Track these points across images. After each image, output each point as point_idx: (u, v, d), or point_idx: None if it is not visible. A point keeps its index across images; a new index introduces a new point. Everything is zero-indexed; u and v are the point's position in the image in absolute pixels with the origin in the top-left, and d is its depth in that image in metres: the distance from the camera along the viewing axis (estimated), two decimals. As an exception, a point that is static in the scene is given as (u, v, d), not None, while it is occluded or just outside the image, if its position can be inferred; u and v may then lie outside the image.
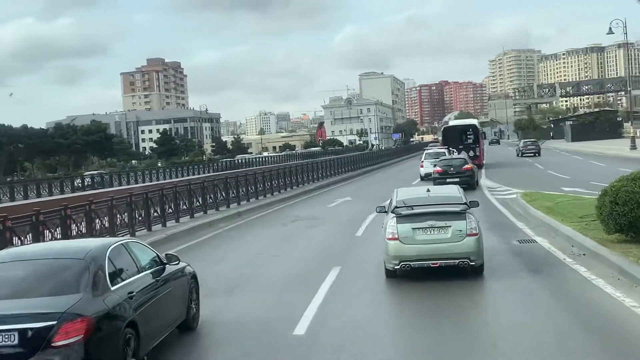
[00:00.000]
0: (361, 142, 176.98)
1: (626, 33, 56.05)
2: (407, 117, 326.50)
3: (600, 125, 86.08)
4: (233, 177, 28.30)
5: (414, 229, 11.37)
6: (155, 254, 8.97)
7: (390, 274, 11.88)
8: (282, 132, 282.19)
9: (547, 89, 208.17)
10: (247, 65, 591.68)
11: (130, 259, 8.07)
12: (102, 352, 6.61)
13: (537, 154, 58.33)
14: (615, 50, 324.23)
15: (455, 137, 45.95)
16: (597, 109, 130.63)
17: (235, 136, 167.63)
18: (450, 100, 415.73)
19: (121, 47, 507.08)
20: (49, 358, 6.26)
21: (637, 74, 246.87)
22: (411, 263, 11.43)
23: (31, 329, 6.28)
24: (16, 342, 6.26)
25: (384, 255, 11.79)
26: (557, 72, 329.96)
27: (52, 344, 6.26)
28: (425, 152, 43.22)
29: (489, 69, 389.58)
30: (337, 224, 21.30)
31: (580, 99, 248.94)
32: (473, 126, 49.19)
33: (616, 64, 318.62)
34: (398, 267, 11.54)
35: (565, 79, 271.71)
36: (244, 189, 28.54)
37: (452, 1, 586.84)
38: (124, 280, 7.58)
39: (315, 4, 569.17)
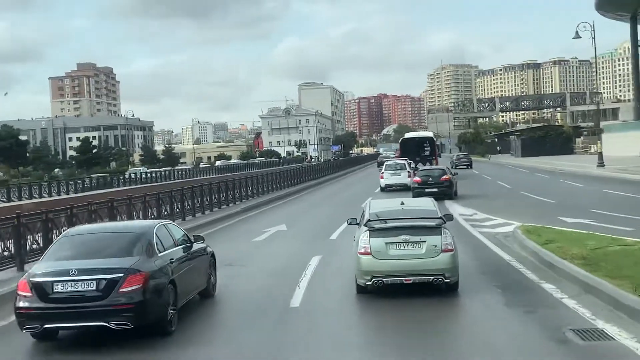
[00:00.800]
0: (299, 153, 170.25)
1: (595, 38, 50.31)
2: (347, 129, 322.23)
3: (551, 140, 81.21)
4: (123, 200, 20.22)
5: (387, 243, 10.81)
6: (185, 234, 11.35)
7: (361, 290, 11.19)
8: (220, 142, 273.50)
9: (486, 103, 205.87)
10: (186, 74, 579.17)
11: (169, 236, 10.52)
12: (153, 297, 9.01)
13: (469, 166, 60.60)
14: (551, 67, 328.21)
15: (412, 149, 46.29)
16: (541, 124, 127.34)
17: (167, 145, 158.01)
18: (388, 113, 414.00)
19: (54, 52, 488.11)
20: (118, 299, 8.73)
21: (572, 90, 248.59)
22: (384, 279, 10.82)
23: (105, 279, 8.78)
24: (94, 288, 8.77)
25: (355, 271, 11.22)
26: (493, 87, 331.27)
27: (120, 290, 8.76)
28: (385, 163, 41.79)
29: (428, 83, 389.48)
30: (264, 278, 13.62)
31: (516, 115, 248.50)
32: (430, 138, 49.70)
33: (551, 80, 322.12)
34: (370, 283, 10.89)
35: (502, 94, 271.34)
36: (139, 212, 20.65)
37: (392, 16, 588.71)
38: (166, 250, 9.98)
39: (255, 14, 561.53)
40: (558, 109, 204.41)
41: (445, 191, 30.09)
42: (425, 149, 46.91)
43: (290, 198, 38.72)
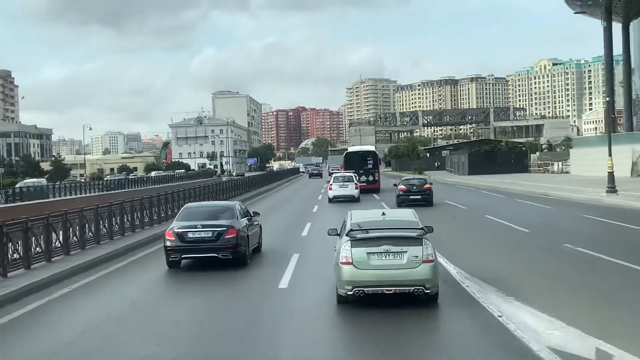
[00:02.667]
0: (211, 166, 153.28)
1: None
2: (264, 141, 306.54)
3: (502, 156, 67.97)
4: None
5: (368, 253, 10.60)
6: (248, 211, 18.07)
7: (342, 300, 10.91)
8: (132, 153, 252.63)
9: (409, 117, 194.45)
10: (100, 83, 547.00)
11: (243, 210, 17.41)
12: (240, 241, 15.55)
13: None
14: (468, 84, 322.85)
15: (356, 162, 47.09)
16: (476, 138, 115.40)
17: (55, 155, 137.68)
18: (307, 127, 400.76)
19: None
20: (224, 241, 15.28)
21: (487, 106, 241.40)
22: (365, 289, 10.57)
23: (217, 230, 15.40)
24: (211, 235, 15.36)
25: (337, 280, 10.95)
26: (412, 102, 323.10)
27: (225, 236, 15.34)
28: (333, 175, 42.78)
29: (347, 96, 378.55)
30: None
31: (434, 130, 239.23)
32: (373, 152, 49.92)
33: (469, 96, 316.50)
34: (351, 292, 10.63)
35: (421, 109, 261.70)
36: None
37: (312, 31, 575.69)
38: (246, 216, 17.07)
39: (173, 23, 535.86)
40: (481, 124, 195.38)
41: (427, 198, 32.32)
42: (369, 162, 47.54)
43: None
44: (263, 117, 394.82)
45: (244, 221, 16.43)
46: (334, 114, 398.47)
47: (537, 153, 71.37)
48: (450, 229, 22.29)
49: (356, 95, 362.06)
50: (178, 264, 15.86)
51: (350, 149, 55.37)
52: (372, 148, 54.34)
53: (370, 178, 46.25)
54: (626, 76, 65.95)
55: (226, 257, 15.40)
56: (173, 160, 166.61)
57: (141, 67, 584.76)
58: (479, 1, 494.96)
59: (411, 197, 31.69)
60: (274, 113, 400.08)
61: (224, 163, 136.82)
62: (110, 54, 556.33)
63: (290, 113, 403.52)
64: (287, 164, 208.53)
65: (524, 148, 72.07)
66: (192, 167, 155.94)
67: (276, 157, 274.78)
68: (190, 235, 15.43)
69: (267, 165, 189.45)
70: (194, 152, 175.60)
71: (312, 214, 30.73)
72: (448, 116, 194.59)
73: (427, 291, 10.56)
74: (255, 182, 58.20)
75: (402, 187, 32.94)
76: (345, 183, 38.57)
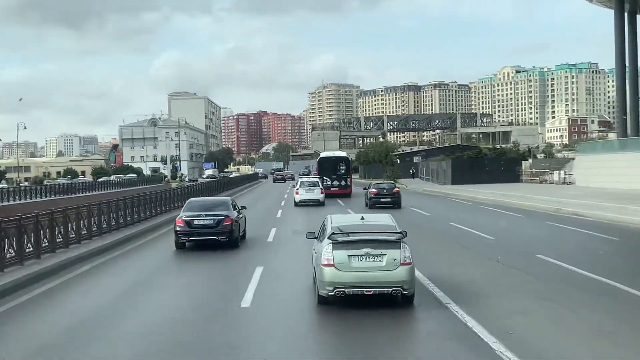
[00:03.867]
0: (164, 170, 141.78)
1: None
2: (224, 145, 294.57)
3: (490, 163, 58.31)
4: None
5: (349, 256, 10.92)
6: (237, 205, 21.82)
7: (323, 301, 11.15)
8: (86, 155, 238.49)
9: (374, 122, 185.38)
10: (58, 85, 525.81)
11: (234, 204, 21.19)
12: (234, 228, 19.49)
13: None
14: (431, 90, 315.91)
15: (329, 167, 47.50)
16: (441, 145, 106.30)
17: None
18: (268, 131, 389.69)
19: None
20: (222, 227, 19.13)
21: (453, 112, 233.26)
22: (346, 290, 10.88)
23: (217, 218, 19.25)
24: (212, 222, 19.21)
25: (318, 282, 11.29)
26: (375, 108, 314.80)
27: (223, 224, 19.15)
28: (300, 180, 43.48)
29: (309, 101, 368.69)
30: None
31: (396, 136, 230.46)
32: (345, 158, 49.93)
33: (432, 102, 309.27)
34: (332, 293, 10.95)
35: (385, 114, 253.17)
36: None
37: (276, 37, 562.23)
38: (236, 209, 20.76)
39: (134, 25, 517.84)
40: (447, 130, 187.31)
41: (396, 201, 34.72)
42: (341, 167, 47.69)
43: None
44: (223, 122, 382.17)
45: (235, 212, 20.48)
46: (295, 119, 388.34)
47: (530, 160, 62.05)
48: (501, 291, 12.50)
49: (318, 100, 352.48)
50: (184, 246, 19.72)
51: (324, 154, 54.36)
52: (344, 154, 53.43)
53: (343, 183, 46.64)
54: (633, 75, 57.16)
55: (224, 239, 19.44)
56: (124, 163, 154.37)
57: (101, 69, 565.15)
58: (442, 11, 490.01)
59: (382, 199, 34.35)
60: (235, 117, 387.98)
61: (176, 167, 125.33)
62: (70, 55, 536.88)
63: (252, 117, 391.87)
64: (247, 169, 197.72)
65: (520, 153, 62.48)
66: (145, 172, 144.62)
67: (236, 162, 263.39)
68: (196, 222, 19.48)
69: (226, 170, 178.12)
70: (147, 155, 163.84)
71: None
72: (414, 122, 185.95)
73: (404, 292, 10.93)
74: (206, 190, 47.67)
75: (373, 190, 35.27)
76: (312, 188, 39.72)
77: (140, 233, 24.32)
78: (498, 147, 71.52)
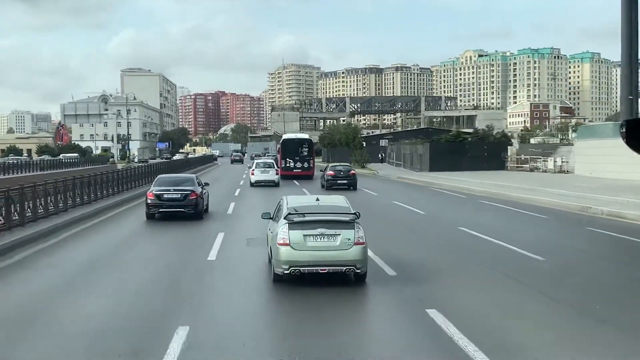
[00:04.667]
0: (114, 150, 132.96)
1: None
2: (182, 125, 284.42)
3: (472, 149, 51.73)
4: None
5: (305, 235, 11.12)
6: (201, 181, 24.24)
7: (278, 279, 11.34)
8: (39, 133, 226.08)
9: (335, 104, 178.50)
10: (10, 61, 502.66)
11: (199, 181, 23.62)
12: (199, 202, 21.84)
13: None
14: (393, 73, 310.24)
15: (293, 149, 47.34)
16: (405, 128, 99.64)
17: None
18: (226, 112, 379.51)
19: None
20: (188, 201, 21.42)
21: (412, 95, 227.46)
22: (301, 268, 11.06)
23: (183, 193, 21.57)
24: (179, 196, 21.49)
25: (274, 261, 11.46)
26: (336, 90, 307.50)
27: (189, 197, 21.44)
28: (255, 162, 43.60)
29: (268, 82, 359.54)
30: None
31: (356, 118, 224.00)
32: (309, 140, 49.90)
33: (393, 85, 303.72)
34: (288, 272, 11.08)
35: (348, 96, 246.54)
36: None
37: (236, 17, 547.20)
38: (200, 185, 22.99)
39: (91, 1, 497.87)
40: (410, 113, 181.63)
41: (352, 183, 35.62)
42: (304, 149, 47.46)
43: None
44: (180, 101, 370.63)
45: (200, 188, 22.65)
46: (254, 100, 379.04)
47: (516, 145, 55.86)
48: None
49: (278, 81, 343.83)
50: (154, 216, 21.83)
51: (287, 135, 54.25)
52: (306, 136, 53.56)
53: (306, 165, 46.62)
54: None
55: (190, 212, 21.54)
56: (73, 142, 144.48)
57: (57, 46, 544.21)
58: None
59: (339, 181, 35.32)
60: (192, 97, 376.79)
61: (125, 147, 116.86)
62: (24, 31, 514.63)
63: (210, 97, 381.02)
64: (203, 150, 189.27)
65: (499, 138, 56.12)
66: (95, 151, 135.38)
67: (192, 143, 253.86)
68: (165, 195, 21.71)
69: (181, 150, 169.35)
70: (96, 134, 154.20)
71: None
72: (377, 104, 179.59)
73: (357, 271, 11.16)
74: (155, 173, 40.05)
75: (330, 172, 36.16)
76: (267, 169, 40.24)
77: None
78: (479, 130, 65.02)
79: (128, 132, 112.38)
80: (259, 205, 24.03)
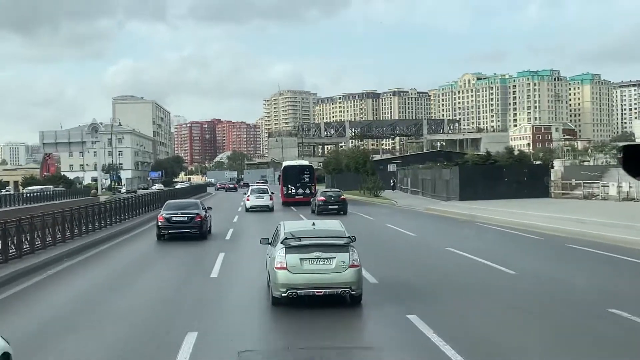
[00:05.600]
0: (105, 181, 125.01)
1: None
2: (176, 154, 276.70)
3: (510, 172, 43.25)
4: None
5: (301, 259, 11.35)
6: (205, 206, 27.07)
7: (276, 302, 11.58)
8: (29, 165, 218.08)
9: (334, 129, 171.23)
10: (8, 92, 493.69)
11: (203, 205, 26.65)
12: (204, 224, 24.57)
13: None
14: (390, 97, 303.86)
15: (294, 175, 47.38)
16: (406, 153, 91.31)
17: None
18: (222, 140, 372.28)
19: None
20: (194, 224, 24.12)
21: (410, 118, 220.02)
22: (298, 291, 11.31)
23: (190, 216, 24.26)
24: (186, 219, 24.19)
25: (272, 284, 11.73)
26: (332, 116, 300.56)
27: (194, 220, 24.15)
28: (251, 187, 48.95)
29: (264, 108, 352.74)
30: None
31: (355, 144, 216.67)
32: (310, 167, 50.42)
33: (391, 109, 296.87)
34: (285, 294, 11.35)
35: (347, 120, 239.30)
36: None
37: (231, 45, 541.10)
38: (204, 209, 25.78)
39: (88, 31, 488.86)
40: (412, 137, 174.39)
41: (342, 208, 36.12)
42: (306, 175, 47.47)
43: None
44: (176, 130, 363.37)
45: (204, 212, 25.22)
46: (251, 127, 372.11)
47: (560, 168, 47.79)
48: None
49: (274, 108, 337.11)
50: (163, 237, 24.29)
51: (287, 162, 54.23)
52: (307, 162, 53.87)
53: (307, 191, 45.83)
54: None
55: (195, 233, 24.10)
56: (62, 172, 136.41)
57: (53, 76, 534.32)
58: (396, 20, 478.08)
59: (329, 207, 36.04)
60: (188, 125, 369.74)
61: (113, 177, 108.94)
62: (21, 62, 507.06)
63: (205, 125, 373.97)
64: (198, 179, 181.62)
65: (540, 162, 48.12)
66: (85, 181, 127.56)
67: (188, 172, 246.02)
68: (174, 218, 24.29)
69: (175, 179, 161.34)
70: (89, 164, 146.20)
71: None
72: (377, 128, 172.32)
73: (352, 293, 11.41)
74: (137, 206, 33.83)
75: (321, 197, 37.00)
76: (261, 194, 42.03)
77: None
78: (515, 152, 56.80)
79: (113, 161, 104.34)
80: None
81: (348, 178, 69.30)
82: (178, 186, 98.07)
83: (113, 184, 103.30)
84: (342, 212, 34.98)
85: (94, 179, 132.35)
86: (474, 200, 40.14)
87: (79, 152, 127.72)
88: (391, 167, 78.72)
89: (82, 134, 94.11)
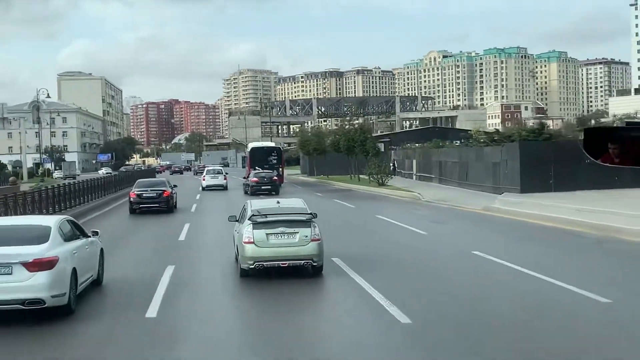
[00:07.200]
0: (49, 165, 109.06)
1: None
2: (132, 135, 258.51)
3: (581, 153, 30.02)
4: None
5: (267, 234, 11.99)
6: (171, 183, 29.99)
7: (244, 274, 12.21)
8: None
9: (301, 106, 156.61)
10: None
11: (170, 183, 29.47)
12: (170, 200, 27.70)
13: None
14: (354, 76, 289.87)
15: (261, 157, 47.00)
16: (382, 132, 75.96)
17: None
18: (180, 121, 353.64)
19: None
20: (162, 198, 27.34)
21: (375, 95, 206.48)
22: (264, 263, 11.92)
23: (158, 192, 27.67)
24: (155, 195, 27.43)
25: (240, 257, 12.35)
26: (294, 95, 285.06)
27: (163, 195, 27.33)
28: (206, 168, 50.83)
29: (224, 88, 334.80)
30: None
31: (322, 123, 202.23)
32: (277, 148, 51.14)
33: (354, 88, 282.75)
34: (252, 266, 11.95)
35: (315, 97, 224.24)
36: None
37: (190, 25, 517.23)
38: (170, 187, 28.56)
39: (42, 11, 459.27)
40: (381, 116, 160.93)
41: (275, 188, 36.49)
42: (273, 157, 47.77)
43: None
44: (132, 111, 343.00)
45: (170, 189, 27.56)
46: (210, 108, 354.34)
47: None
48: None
49: (234, 87, 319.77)
50: (136, 211, 26.61)
51: (254, 144, 53.41)
52: (272, 144, 53.75)
53: (275, 173, 42.41)
54: None
55: (164, 207, 26.63)
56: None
57: (5, 56, 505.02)
58: (353, 1, 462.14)
59: (262, 187, 36.01)
60: (144, 106, 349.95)
61: (49, 161, 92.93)
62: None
63: (162, 106, 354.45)
64: (153, 162, 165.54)
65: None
66: (27, 165, 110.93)
67: (144, 154, 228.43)
68: (144, 194, 26.74)
69: (127, 163, 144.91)
70: (30, 145, 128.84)
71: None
72: (346, 105, 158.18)
73: (314, 264, 12.13)
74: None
75: (254, 179, 37.06)
76: (216, 175, 44.93)
77: None
78: (547, 128, 42.97)
79: (49, 143, 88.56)
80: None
81: (332, 160, 55.09)
82: (123, 169, 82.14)
83: (40, 168, 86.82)
84: (274, 193, 34.97)
85: (37, 163, 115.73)
86: (546, 192, 26.61)
87: (18, 132, 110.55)
88: (382, 147, 64.54)
89: (51, 121, 77.21)
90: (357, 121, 73.05)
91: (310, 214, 12.38)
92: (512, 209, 23.23)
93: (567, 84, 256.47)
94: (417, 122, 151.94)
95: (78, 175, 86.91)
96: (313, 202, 29.99)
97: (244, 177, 41.48)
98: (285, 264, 11.84)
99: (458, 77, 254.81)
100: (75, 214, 23.70)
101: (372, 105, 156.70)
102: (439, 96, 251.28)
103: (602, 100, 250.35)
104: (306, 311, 10.18)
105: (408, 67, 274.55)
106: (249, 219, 12.22)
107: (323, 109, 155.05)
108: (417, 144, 56.81)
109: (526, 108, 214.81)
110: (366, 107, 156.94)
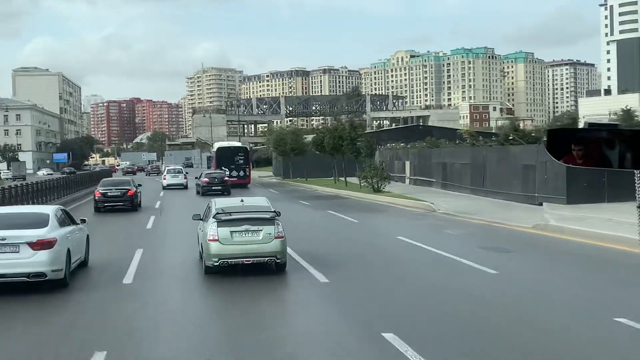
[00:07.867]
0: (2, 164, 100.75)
1: None
2: (94, 134, 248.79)
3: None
4: None
5: (232, 232, 12.03)
6: (136, 183, 30.58)
7: (209, 271, 12.24)
8: None
9: (268, 105, 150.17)
10: None
11: (134, 182, 30.33)
12: (134, 198, 28.32)
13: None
14: (320, 75, 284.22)
15: (228, 157, 45.95)
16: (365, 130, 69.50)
17: None
18: (143, 121, 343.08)
19: None
20: (127, 197, 28.10)
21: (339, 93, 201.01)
22: (229, 260, 11.94)
23: (123, 190, 28.31)
24: (120, 194, 27.99)
25: (204, 255, 12.35)
26: (260, 95, 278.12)
27: (127, 194, 28.05)
28: (167, 168, 50.11)
29: (187, 87, 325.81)
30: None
31: (286, 123, 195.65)
32: (244, 148, 49.75)
33: (321, 88, 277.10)
34: (217, 264, 11.94)
35: (283, 95, 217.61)
36: None
37: (155, 24, 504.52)
38: (135, 186, 29.11)
39: (5, 8, 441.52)
40: (351, 115, 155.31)
41: (225, 189, 36.19)
42: (240, 157, 46.33)
43: None
44: (93, 109, 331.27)
45: (134, 188, 28.07)
46: (173, 107, 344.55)
47: None
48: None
49: (198, 86, 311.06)
50: (101, 210, 26.88)
51: (220, 144, 52.81)
52: (239, 144, 52.95)
53: (242, 173, 45.12)
54: None
55: (128, 206, 27.10)
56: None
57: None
58: (320, 2, 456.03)
59: (213, 187, 36.33)
60: (105, 104, 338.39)
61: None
62: None
63: (124, 105, 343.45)
64: (113, 161, 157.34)
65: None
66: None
67: (104, 153, 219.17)
68: (109, 193, 27.26)
69: (86, 163, 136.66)
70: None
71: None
72: (316, 104, 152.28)
73: (278, 261, 12.27)
74: None
75: (205, 179, 37.17)
76: (177, 174, 45.24)
77: None
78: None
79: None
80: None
81: (312, 162, 49.24)
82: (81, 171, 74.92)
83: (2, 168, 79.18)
84: (225, 193, 34.65)
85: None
86: (598, 202, 21.27)
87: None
88: (389, 147, 58.56)
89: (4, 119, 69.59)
90: (344, 117, 67.44)
91: (274, 211, 12.48)
92: (583, 229, 17.47)
93: (533, 85, 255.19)
94: (388, 121, 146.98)
95: (30, 174, 79.16)
96: (304, 213, 24.06)
97: (196, 177, 40.85)
98: (249, 261, 12.03)
99: (425, 77, 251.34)
100: None
101: (343, 104, 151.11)
102: (406, 96, 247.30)
103: (567, 102, 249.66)
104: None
105: (375, 67, 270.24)
106: (213, 217, 12.34)
107: (291, 108, 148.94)
108: (402, 144, 51.26)
109: (494, 109, 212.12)
110: (337, 106, 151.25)
